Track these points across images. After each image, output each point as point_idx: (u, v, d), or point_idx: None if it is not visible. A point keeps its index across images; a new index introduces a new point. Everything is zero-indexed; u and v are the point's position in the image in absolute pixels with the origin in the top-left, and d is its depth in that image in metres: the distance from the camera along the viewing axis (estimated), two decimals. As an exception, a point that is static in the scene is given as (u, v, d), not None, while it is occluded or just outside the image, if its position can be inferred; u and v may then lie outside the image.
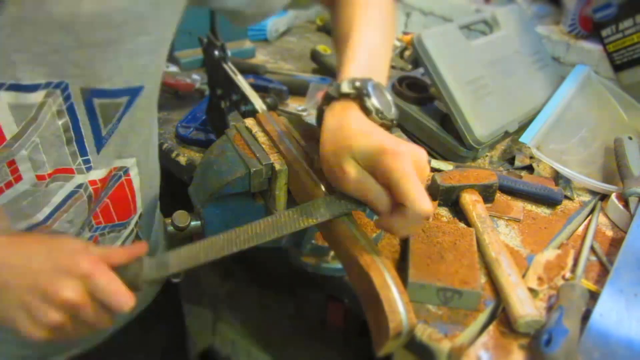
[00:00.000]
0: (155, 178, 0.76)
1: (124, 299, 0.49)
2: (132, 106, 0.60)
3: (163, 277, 0.52)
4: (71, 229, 0.62)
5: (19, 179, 0.54)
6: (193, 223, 0.63)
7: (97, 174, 0.61)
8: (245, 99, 0.75)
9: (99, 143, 0.59)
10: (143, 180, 0.69)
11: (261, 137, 0.63)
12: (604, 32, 1.10)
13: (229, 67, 0.80)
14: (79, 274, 0.49)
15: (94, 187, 0.62)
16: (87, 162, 0.59)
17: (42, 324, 0.49)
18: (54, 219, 0.60)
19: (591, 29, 1.16)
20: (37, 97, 0.51)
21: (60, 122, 0.54)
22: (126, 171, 0.66)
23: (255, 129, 0.64)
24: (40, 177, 0.56)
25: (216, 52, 0.81)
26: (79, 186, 0.60)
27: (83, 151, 0.58)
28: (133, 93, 0.59)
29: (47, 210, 0.58)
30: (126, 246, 0.56)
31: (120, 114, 0.59)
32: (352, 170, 0.50)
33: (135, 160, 0.66)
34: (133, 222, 0.71)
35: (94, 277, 0.49)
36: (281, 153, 0.60)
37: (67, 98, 0.53)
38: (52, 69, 0.50)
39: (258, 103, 0.73)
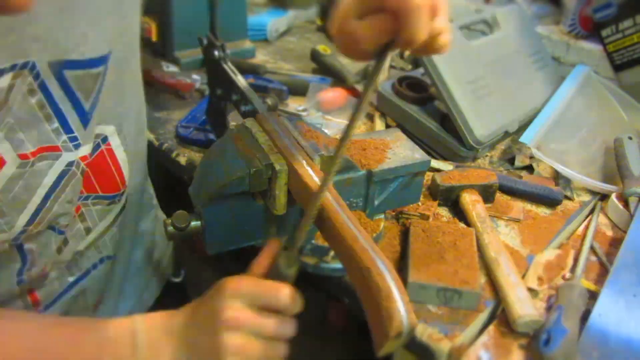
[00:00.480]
0: (142, 158, 0.76)
1: (283, 291, 0.53)
2: (107, 74, 0.59)
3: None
4: (72, 210, 0.62)
5: (2, 162, 0.53)
6: (193, 223, 0.63)
7: (87, 149, 0.61)
8: (245, 99, 0.76)
9: (85, 119, 0.58)
10: (129, 155, 0.68)
11: (261, 137, 0.63)
12: (604, 32, 1.10)
13: (229, 67, 0.80)
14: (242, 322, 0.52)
15: (86, 163, 0.61)
16: (74, 139, 0.58)
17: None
18: (52, 200, 0.59)
19: (591, 29, 1.16)
20: (3, 81, 0.49)
21: (33, 100, 0.53)
22: (105, 139, 0.65)
23: (255, 129, 0.64)
24: (23, 157, 0.54)
25: (216, 52, 0.81)
26: (70, 164, 0.59)
27: (67, 128, 0.57)
28: (107, 61, 0.58)
29: (42, 192, 0.57)
30: (261, 254, 0.58)
31: (99, 85, 0.58)
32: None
33: (114, 129, 0.65)
34: (124, 197, 0.71)
35: (252, 293, 0.53)
36: (281, 153, 0.60)
37: (36, 76, 0.52)
38: (14, 49, 0.49)
39: (258, 103, 0.73)
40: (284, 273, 0.55)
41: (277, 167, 0.59)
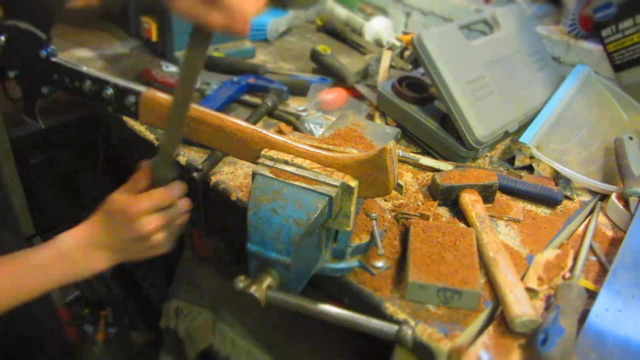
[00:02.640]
0: None
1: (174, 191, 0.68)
2: None
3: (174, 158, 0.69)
4: None
5: None
6: (269, 280, 0.59)
7: None
8: (104, 84, 0.67)
9: None
10: None
11: (306, 163, 0.58)
12: (604, 32, 1.10)
13: (65, 61, 0.69)
14: (139, 214, 0.64)
15: None
16: None
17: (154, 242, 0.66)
18: None
19: (591, 29, 1.16)
20: None
21: None
22: None
23: (288, 157, 0.59)
24: None
25: (46, 51, 0.68)
26: None
27: None
28: None
29: None
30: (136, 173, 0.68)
31: None
32: None
33: None
34: None
35: (144, 209, 0.65)
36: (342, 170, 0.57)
37: None
38: None
39: (125, 82, 0.68)
40: (164, 178, 0.67)
41: (353, 184, 0.56)
